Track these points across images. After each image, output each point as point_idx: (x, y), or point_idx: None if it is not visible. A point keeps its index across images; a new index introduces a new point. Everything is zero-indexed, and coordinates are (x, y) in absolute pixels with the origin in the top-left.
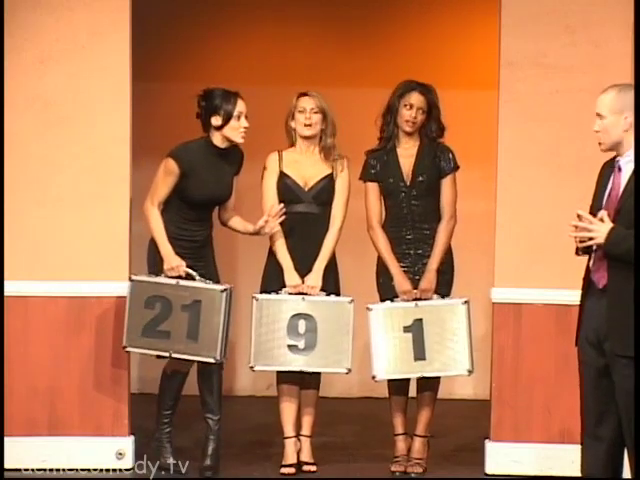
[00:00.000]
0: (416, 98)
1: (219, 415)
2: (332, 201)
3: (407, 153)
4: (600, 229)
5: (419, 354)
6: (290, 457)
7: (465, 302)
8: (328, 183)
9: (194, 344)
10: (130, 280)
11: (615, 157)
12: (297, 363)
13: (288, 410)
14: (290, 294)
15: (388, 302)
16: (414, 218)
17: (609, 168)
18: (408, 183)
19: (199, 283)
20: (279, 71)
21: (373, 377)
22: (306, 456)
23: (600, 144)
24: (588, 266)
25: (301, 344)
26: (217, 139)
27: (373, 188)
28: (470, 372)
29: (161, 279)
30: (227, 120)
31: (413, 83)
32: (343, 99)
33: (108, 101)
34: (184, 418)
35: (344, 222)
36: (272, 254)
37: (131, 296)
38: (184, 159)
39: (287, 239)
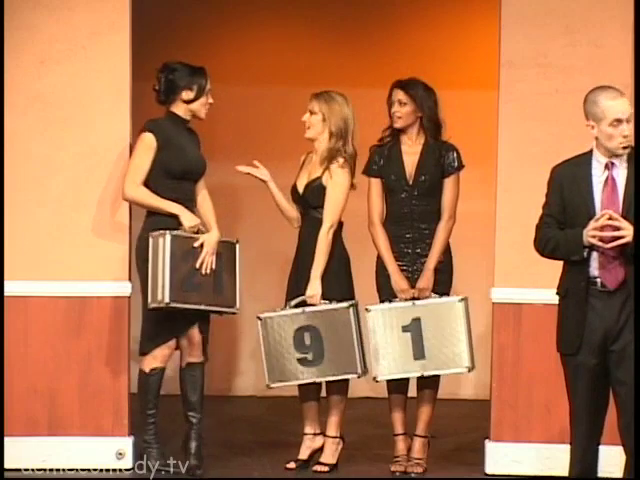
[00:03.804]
0: (395, 93)
1: (201, 414)
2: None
3: (411, 150)
4: (630, 228)
5: (418, 353)
6: (301, 453)
7: (462, 299)
8: (317, 187)
9: (219, 296)
10: (172, 235)
11: (578, 158)
12: (309, 375)
13: (306, 408)
14: (297, 305)
15: (386, 302)
16: (414, 217)
17: (582, 169)
18: (410, 182)
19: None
20: (279, 71)
21: (374, 378)
22: (323, 456)
23: (626, 147)
24: (585, 271)
25: (310, 356)
26: (181, 111)
27: (376, 184)
28: (470, 369)
29: (189, 234)
30: (199, 95)
31: (395, 81)
32: None
33: (108, 101)
34: (176, 419)
35: (334, 224)
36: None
37: (172, 250)
38: (159, 131)
39: (303, 244)
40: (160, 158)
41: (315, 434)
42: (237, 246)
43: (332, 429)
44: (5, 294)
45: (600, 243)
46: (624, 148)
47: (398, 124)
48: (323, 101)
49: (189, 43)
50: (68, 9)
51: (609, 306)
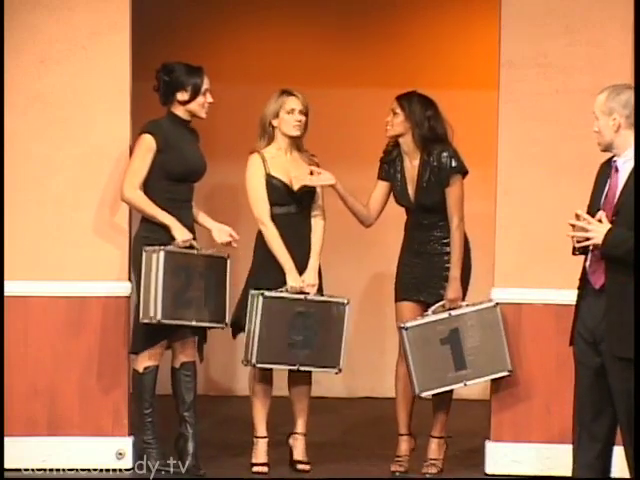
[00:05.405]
0: (393, 103)
1: (195, 413)
2: (313, 202)
3: (411, 172)
4: (598, 230)
5: (459, 364)
6: (262, 456)
7: (496, 304)
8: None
9: (209, 312)
10: (166, 252)
11: (612, 157)
12: (295, 361)
13: (262, 410)
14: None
15: (419, 318)
16: (424, 226)
17: (606, 168)
18: (413, 202)
19: (209, 251)
20: (279, 71)
21: (417, 394)
22: (300, 454)
23: (598, 144)
24: (584, 266)
25: (301, 342)
26: (180, 112)
27: (379, 186)
28: (511, 372)
29: (182, 249)
30: (194, 95)
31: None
32: (343, 99)
33: (108, 101)
34: (175, 418)
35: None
36: (261, 251)
37: (165, 267)
38: (159, 133)
39: (296, 239)
40: (159, 160)
41: (268, 437)
42: (228, 261)
43: (304, 426)
44: (5, 294)
45: (574, 242)
46: (598, 144)
47: (387, 133)
48: (304, 99)
49: (189, 43)
50: (68, 9)
51: (598, 305)
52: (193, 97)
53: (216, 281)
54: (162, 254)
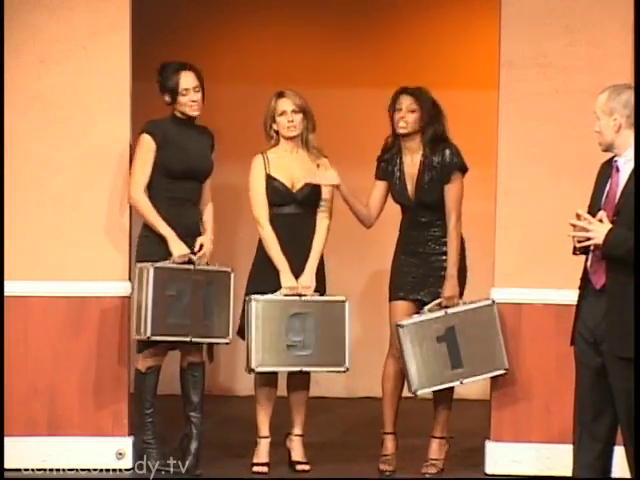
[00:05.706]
0: (404, 99)
1: (202, 414)
2: (318, 202)
3: (411, 169)
4: (599, 230)
5: (455, 362)
6: (264, 456)
7: (493, 302)
8: (316, 184)
9: (209, 326)
10: (155, 268)
11: (613, 157)
12: (297, 363)
13: (265, 412)
14: (286, 296)
15: (415, 316)
16: (422, 224)
17: (607, 168)
18: (413, 200)
19: (210, 266)
20: (279, 71)
21: (413, 392)
22: (298, 455)
23: (599, 144)
24: (585, 266)
25: (300, 344)
26: (177, 112)
27: (377, 186)
28: (507, 370)
29: (177, 265)
30: (174, 97)
31: (402, 88)
32: (343, 99)
33: (108, 101)
34: (175, 419)
35: (331, 221)
36: (260, 255)
37: (155, 283)
38: (157, 131)
39: (296, 240)
40: (160, 157)
41: (269, 437)
42: (232, 275)
43: (301, 428)
44: (5, 294)
45: (575, 242)
46: (599, 144)
47: (403, 130)
48: (296, 99)
49: (189, 43)
50: (68, 9)
51: (599, 305)
52: (174, 97)
53: (218, 295)
54: (151, 271)
